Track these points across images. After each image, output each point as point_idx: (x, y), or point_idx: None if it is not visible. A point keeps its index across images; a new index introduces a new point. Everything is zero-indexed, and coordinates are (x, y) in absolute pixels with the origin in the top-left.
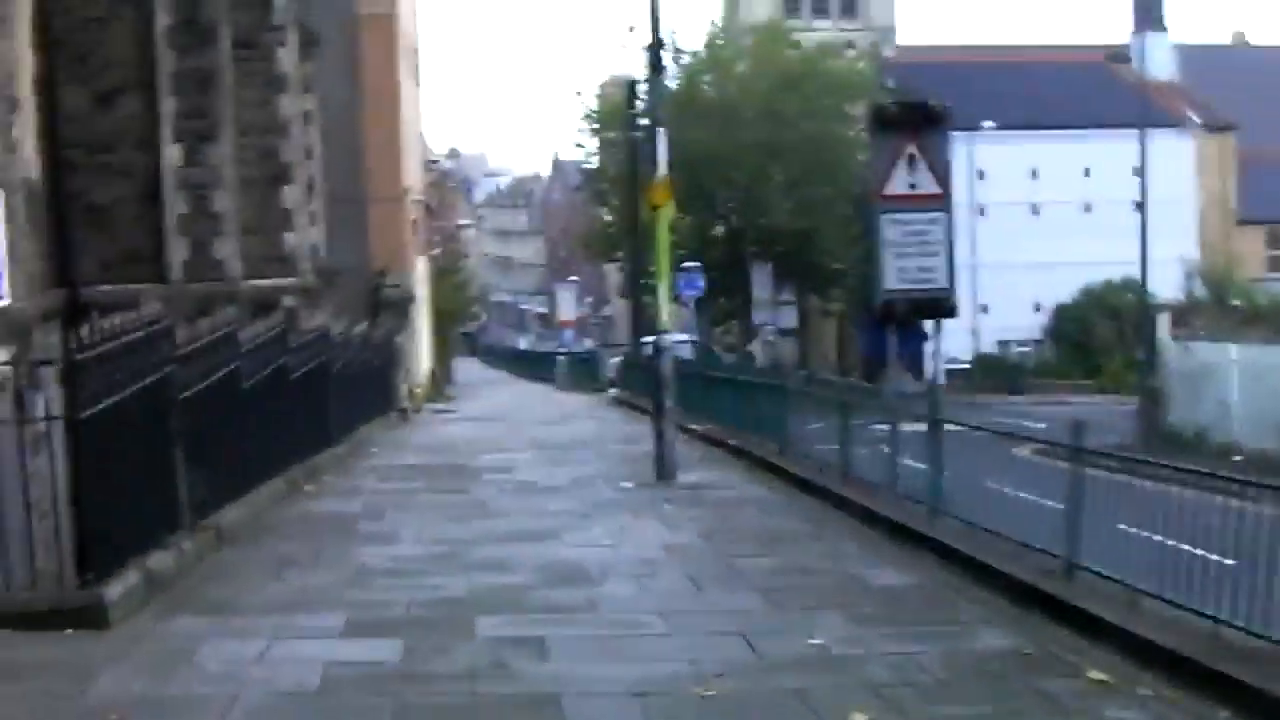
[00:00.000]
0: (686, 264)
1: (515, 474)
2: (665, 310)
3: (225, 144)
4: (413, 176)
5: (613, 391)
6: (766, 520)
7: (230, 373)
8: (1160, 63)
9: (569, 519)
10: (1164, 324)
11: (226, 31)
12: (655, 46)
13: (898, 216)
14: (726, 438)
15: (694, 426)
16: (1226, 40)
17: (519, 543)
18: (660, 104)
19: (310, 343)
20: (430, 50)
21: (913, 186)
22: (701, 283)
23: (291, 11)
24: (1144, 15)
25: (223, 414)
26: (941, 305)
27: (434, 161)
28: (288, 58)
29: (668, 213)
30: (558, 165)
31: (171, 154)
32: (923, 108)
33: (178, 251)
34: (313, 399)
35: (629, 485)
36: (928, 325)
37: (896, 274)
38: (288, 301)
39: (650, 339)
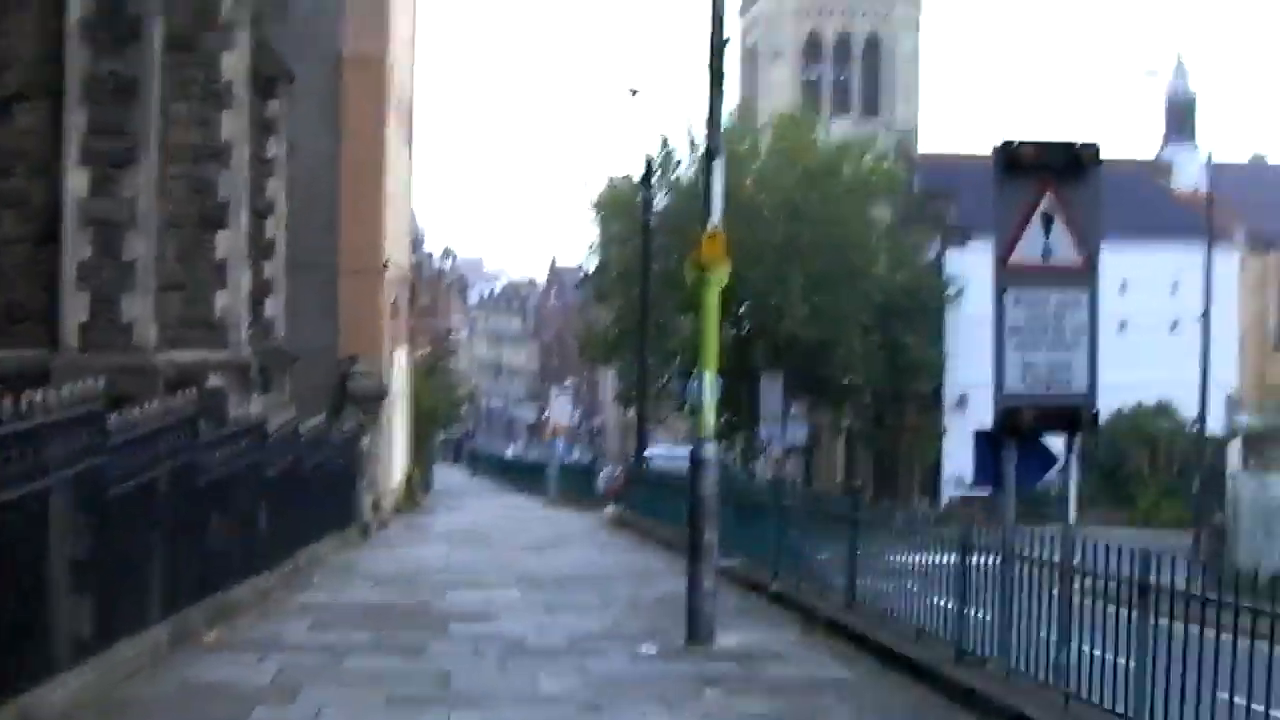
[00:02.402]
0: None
1: (495, 624)
2: (710, 410)
3: (146, 171)
4: (397, 252)
5: (610, 510)
6: None
7: (86, 473)
8: (1192, 177)
9: (569, 712)
10: (1234, 452)
11: (158, 29)
12: (717, 49)
13: (1026, 294)
14: (764, 580)
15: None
16: (1244, 159)
17: None
18: (719, 129)
19: (235, 437)
20: (427, 149)
21: (1047, 254)
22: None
23: (246, 8)
24: (1175, 128)
25: (57, 534)
26: (1080, 417)
27: (421, 241)
28: (234, 66)
29: (721, 276)
30: (554, 271)
31: (76, 181)
32: (1067, 148)
33: (75, 310)
34: (232, 511)
35: (651, 651)
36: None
37: (1022, 372)
38: (214, 381)
39: (656, 451)
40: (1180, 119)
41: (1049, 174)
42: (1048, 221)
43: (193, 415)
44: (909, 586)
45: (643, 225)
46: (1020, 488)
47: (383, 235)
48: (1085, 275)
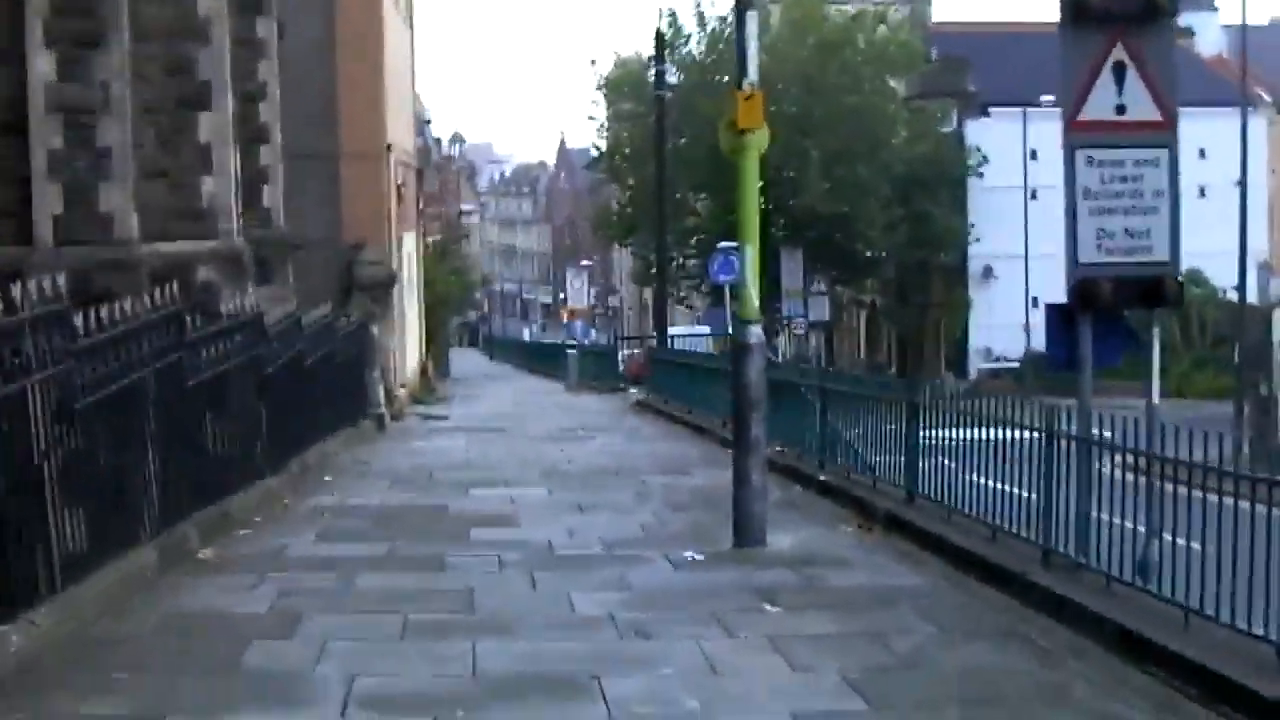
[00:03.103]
0: (722, 244)
1: (521, 529)
2: (753, 290)
3: (117, 51)
4: (400, 135)
5: (634, 392)
6: (949, 647)
7: (50, 380)
8: (1211, 42)
9: (611, 638)
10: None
11: None
12: None
13: (1098, 154)
14: (809, 469)
15: None
16: (1263, 22)
17: (526, 702)
18: None
19: (228, 332)
20: (431, 33)
21: (1121, 110)
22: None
23: None
24: None
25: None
26: (1164, 288)
27: (427, 122)
28: None
29: (760, 140)
30: (563, 152)
31: (41, 66)
32: None
33: (48, 203)
34: (229, 413)
35: (697, 556)
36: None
37: (1096, 239)
38: (204, 274)
39: (676, 331)
40: None
41: (1120, 23)
42: (1119, 75)
43: (177, 310)
44: (977, 478)
45: (656, 99)
46: (1098, 365)
47: (384, 118)
48: (1164, 132)
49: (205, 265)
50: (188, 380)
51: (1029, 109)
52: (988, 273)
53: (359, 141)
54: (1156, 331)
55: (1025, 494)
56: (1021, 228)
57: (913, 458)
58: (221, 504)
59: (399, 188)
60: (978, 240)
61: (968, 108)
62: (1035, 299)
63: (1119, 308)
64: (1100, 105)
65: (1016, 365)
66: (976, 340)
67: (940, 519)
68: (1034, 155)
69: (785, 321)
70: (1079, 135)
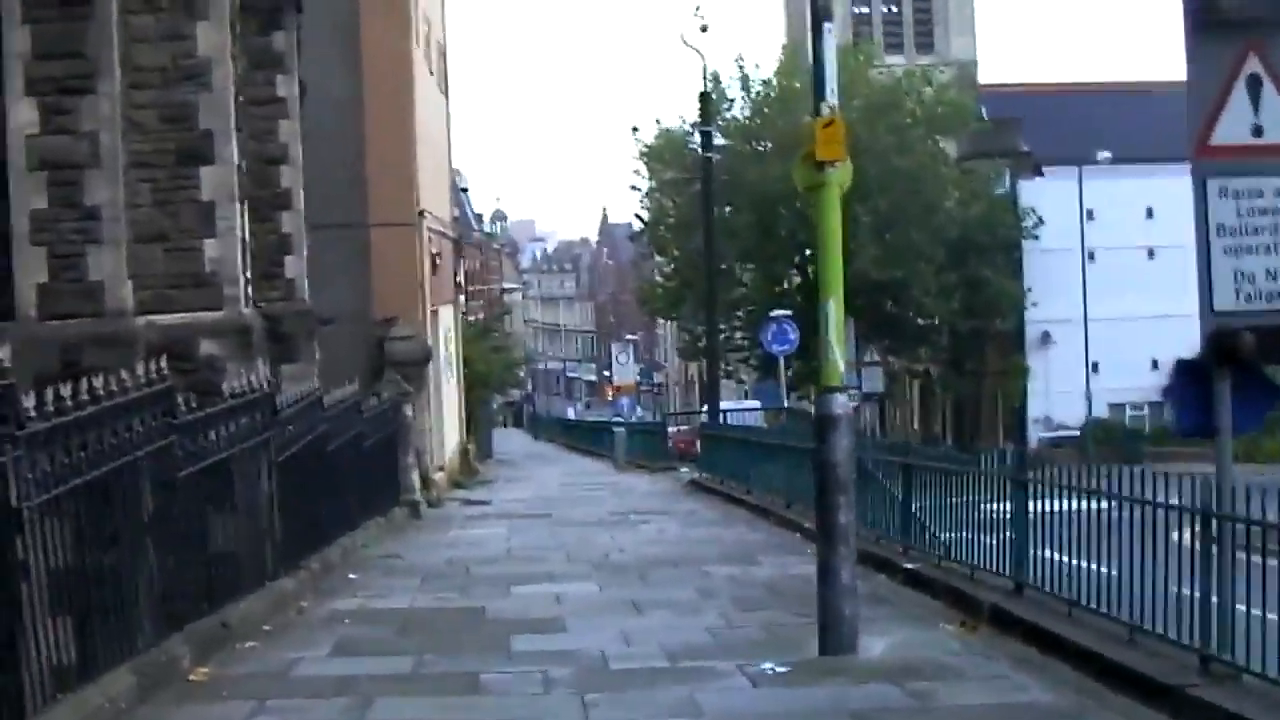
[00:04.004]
0: (776, 312)
1: (569, 636)
2: (839, 351)
3: (107, 98)
4: (435, 203)
5: (685, 471)
6: None
7: None
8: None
9: None
10: None
11: None
12: None
13: (1233, 183)
14: (891, 555)
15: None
16: None
17: None
18: None
19: (232, 413)
20: (471, 112)
21: (1258, 132)
22: (795, 336)
23: None
24: None
25: None
26: None
27: (464, 190)
28: None
29: (843, 175)
30: (606, 227)
31: (22, 116)
32: None
33: (31, 270)
34: (234, 505)
35: (779, 669)
36: None
37: (1234, 283)
38: (207, 348)
39: (726, 406)
40: None
41: (1254, 30)
42: (1255, 91)
43: (166, 388)
44: (1100, 567)
45: (703, 161)
46: (1238, 430)
47: (416, 183)
48: None
49: (209, 339)
50: (179, 469)
51: (1084, 167)
52: (1045, 339)
53: (390, 209)
54: None
55: (1173, 587)
56: (1080, 291)
57: (1021, 542)
58: (221, 612)
59: (434, 258)
60: (1034, 305)
61: (1021, 168)
62: (1095, 364)
63: (1262, 363)
64: (1234, 127)
65: (1077, 433)
66: (1034, 408)
67: (1058, 614)
68: (1090, 215)
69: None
70: (1210, 162)
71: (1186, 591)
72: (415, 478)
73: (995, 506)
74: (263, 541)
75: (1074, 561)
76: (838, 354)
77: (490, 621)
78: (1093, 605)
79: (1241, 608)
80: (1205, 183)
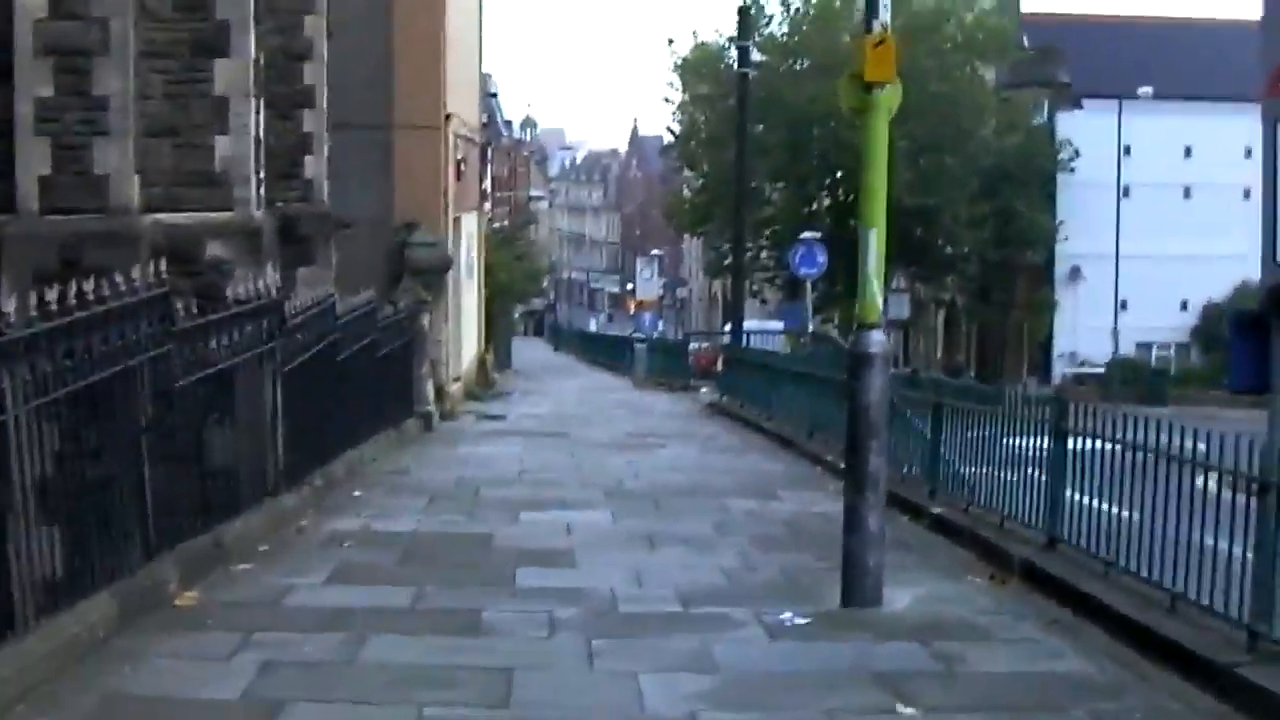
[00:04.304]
0: (806, 234)
1: (578, 571)
2: (878, 286)
3: None
4: (462, 106)
5: (705, 391)
6: None
7: None
8: None
9: None
10: None
11: None
12: None
13: None
14: (918, 498)
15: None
16: None
17: None
18: None
19: (235, 320)
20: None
21: None
22: (823, 259)
23: None
24: None
25: None
26: None
27: (493, 95)
28: None
29: (891, 98)
30: (636, 139)
31: None
32: None
33: (34, 162)
34: (235, 417)
35: (799, 620)
36: None
37: None
38: (214, 250)
39: (749, 326)
40: None
41: None
42: None
43: (163, 293)
44: (1144, 521)
45: (739, 77)
46: None
47: (444, 85)
48: None
49: (215, 240)
50: (176, 379)
51: (1124, 101)
52: (1075, 274)
53: (415, 111)
54: None
55: (1224, 548)
56: (1113, 227)
57: (1056, 493)
58: (217, 530)
59: (459, 164)
60: (1066, 239)
61: (1060, 99)
62: (1125, 302)
63: None
64: None
65: (1102, 371)
66: (1061, 344)
67: (1094, 574)
68: (1128, 151)
69: None
70: None
71: (1233, 552)
72: (429, 389)
73: (1027, 443)
74: (264, 455)
75: (1113, 510)
76: (876, 289)
77: (497, 551)
78: (1132, 568)
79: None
80: (1277, 123)
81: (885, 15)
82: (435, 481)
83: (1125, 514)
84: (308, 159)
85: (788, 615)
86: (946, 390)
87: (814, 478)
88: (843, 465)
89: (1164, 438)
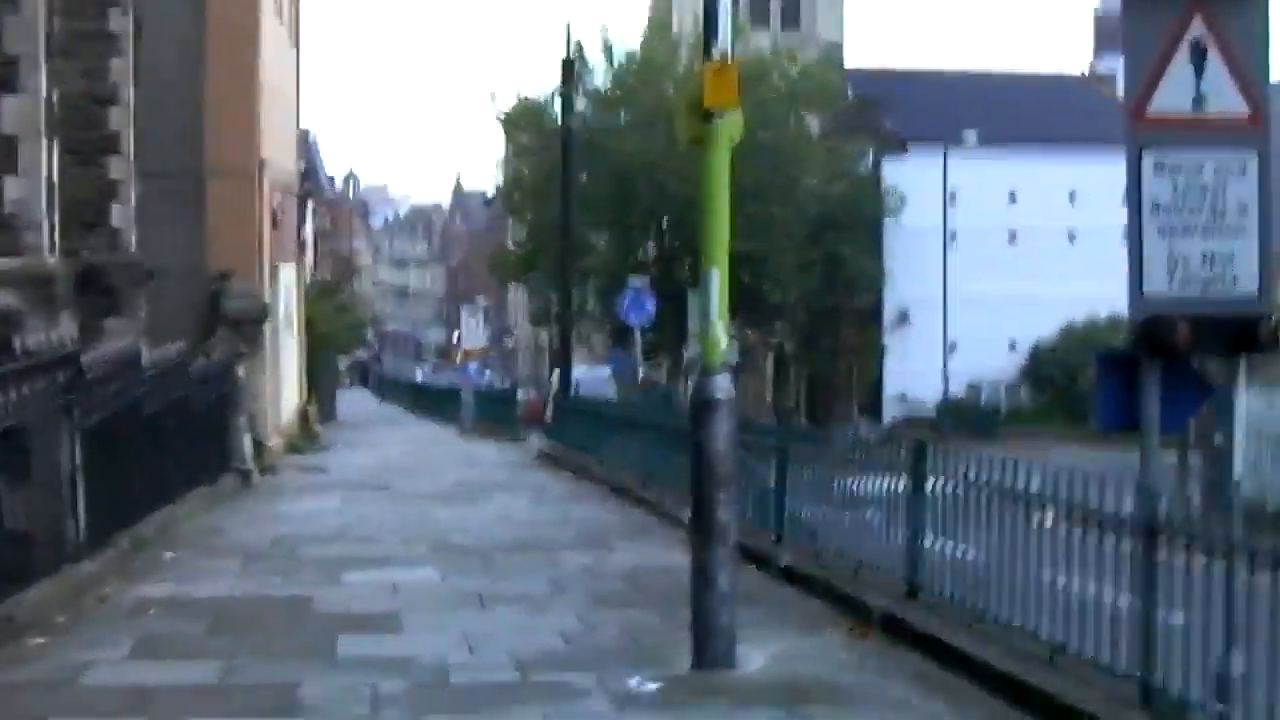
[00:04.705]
0: (634, 280)
1: (404, 637)
2: (721, 327)
3: None
4: (278, 154)
5: (535, 441)
6: None
7: None
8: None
9: None
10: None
11: None
12: None
13: (1171, 157)
14: (764, 547)
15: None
16: None
17: None
18: None
19: (20, 375)
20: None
21: (1199, 102)
22: (651, 306)
23: None
24: (1106, 41)
25: None
26: (1254, 330)
27: (311, 144)
28: None
29: (733, 126)
30: (459, 193)
31: None
32: None
33: None
34: (26, 478)
35: (648, 687)
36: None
37: (1168, 267)
38: (4, 299)
39: (578, 374)
40: (1111, 33)
41: None
42: (1199, 58)
43: None
44: (1024, 571)
45: (563, 128)
46: (1165, 429)
47: (258, 131)
48: (1253, 132)
49: (4, 289)
50: None
51: (949, 147)
52: (903, 318)
53: (228, 158)
54: (1243, 384)
55: (1107, 599)
56: (940, 272)
57: (916, 537)
58: (6, 603)
59: (275, 212)
60: (893, 284)
61: (886, 147)
62: (954, 344)
63: (1197, 354)
64: (1174, 95)
65: (933, 413)
66: (891, 386)
67: (959, 625)
68: (953, 198)
69: (692, 364)
70: (1147, 132)
71: (1115, 600)
72: (247, 443)
73: (880, 487)
74: (63, 519)
75: (979, 557)
76: (720, 331)
77: (315, 617)
78: (1004, 618)
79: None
80: (1140, 155)
81: (726, 43)
82: (251, 540)
83: (993, 561)
84: (114, 206)
85: (635, 681)
86: (792, 435)
87: (651, 527)
88: (682, 515)
89: (1028, 480)
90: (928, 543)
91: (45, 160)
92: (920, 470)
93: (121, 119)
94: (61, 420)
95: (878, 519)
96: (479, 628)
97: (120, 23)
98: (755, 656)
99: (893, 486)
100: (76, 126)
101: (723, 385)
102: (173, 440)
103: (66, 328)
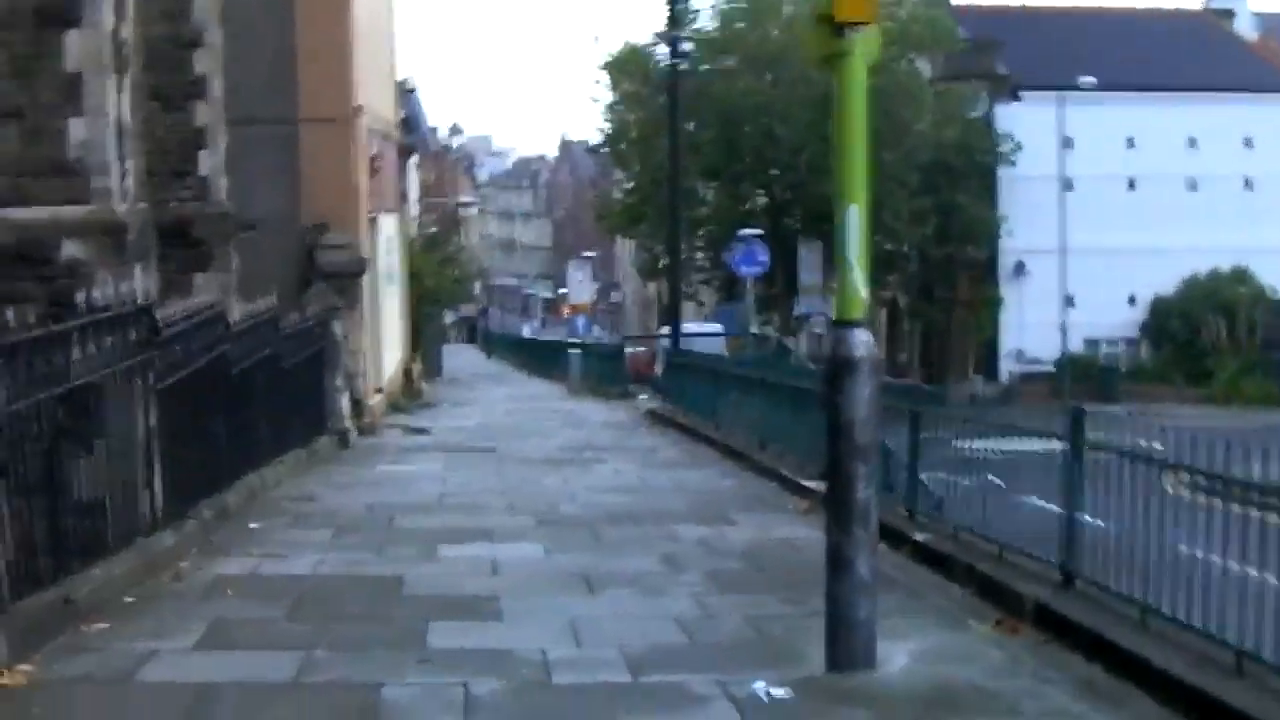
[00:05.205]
0: (745, 231)
1: (502, 625)
2: (861, 273)
3: None
4: (375, 99)
5: (644, 399)
6: None
7: None
8: (1244, 30)
9: None
10: None
11: None
12: None
13: None
14: (894, 519)
15: (810, 485)
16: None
17: None
18: None
19: (86, 331)
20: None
21: None
22: (765, 258)
23: None
24: None
25: None
26: None
27: (411, 91)
28: None
29: (869, 43)
30: (565, 144)
31: None
32: None
33: None
34: (99, 443)
35: (777, 693)
36: None
37: None
38: (71, 250)
39: (691, 330)
40: None
41: None
42: None
43: None
44: (1204, 562)
45: (671, 68)
46: None
47: (352, 75)
48: None
49: (72, 239)
50: (9, 402)
51: (1064, 93)
52: (1019, 269)
53: (322, 104)
54: None
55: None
56: (1056, 221)
57: (1073, 516)
58: (68, 582)
59: (373, 160)
60: (1009, 234)
61: (999, 91)
62: (1071, 297)
63: None
64: None
65: (1051, 369)
66: (1007, 341)
67: (1128, 621)
68: (1069, 143)
69: (803, 319)
70: None
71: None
72: (345, 402)
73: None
74: (138, 486)
75: (1143, 541)
76: (860, 277)
77: (407, 599)
78: (1179, 616)
79: None
80: None
81: None
82: (344, 509)
83: (1167, 548)
84: (202, 154)
85: (761, 686)
86: (926, 398)
87: (770, 495)
88: (801, 480)
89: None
90: (1087, 523)
91: (114, 100)
92: (1079, 441)
93: (207, 62)
94: (134, 380)
95: (1024, 499)
96: (586, 614)
97: None
98: (896, 655)
99: (1045, 457)
100: (160, 70)
101: (862, 341)
102: (263, 400)
103: (140, 280)
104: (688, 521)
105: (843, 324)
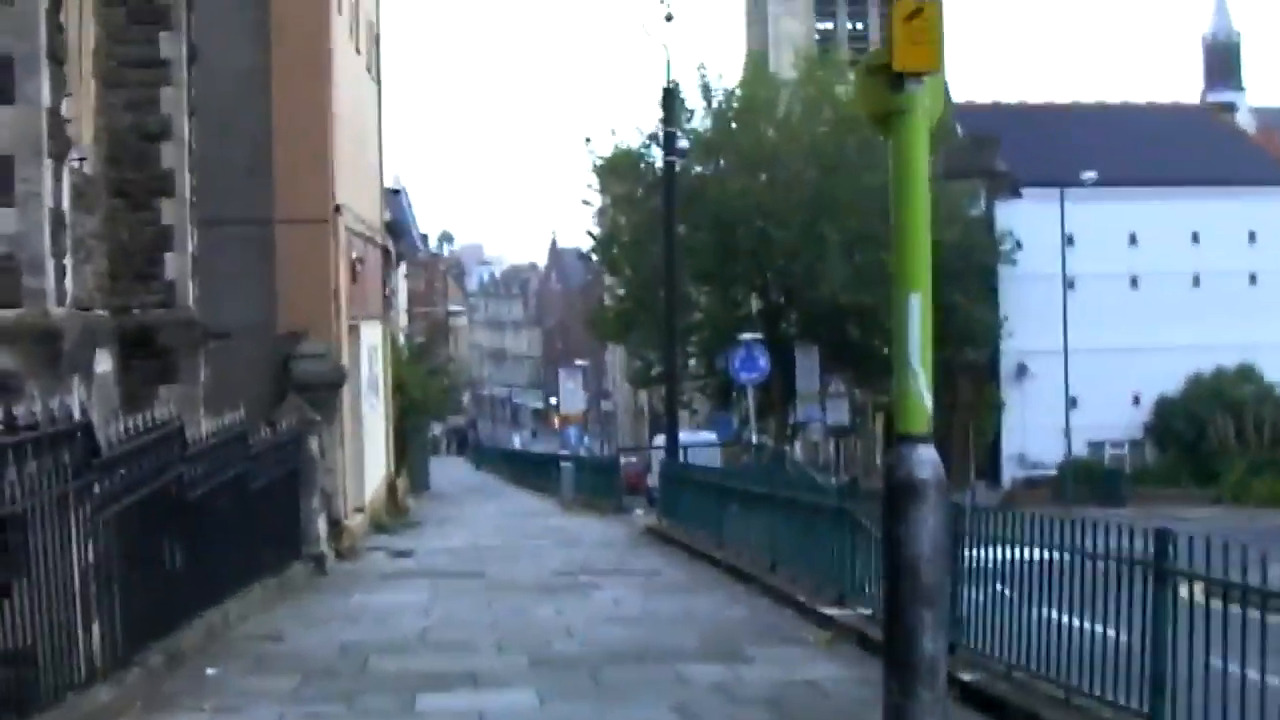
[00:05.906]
0: (745, 336)
1: None
2: (925, 376)
3: None
4: (357, 199)
5: (639, 514)
6: None
7: None
8: (1243, 123)
9: None
10: None
11: None
12: None
13: None
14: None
15: (830, 612)
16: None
17: None
18: None
19: (8, 451)
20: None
21: None
22: (765, 363)
23: None
24: (1217, 74)
25: None
26: None
27: (396, 192)
28: None
29: (932, 99)
30: (555, 252)
31: None
32: None
33: None
34: (28, 582)
35: None
36: None
37: None
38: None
39: (685, 439)
40: (1223, 62)
41: None
42: None
43: None
44: None
45: (666, 165)
46: None
47: (332, 172)
48: None
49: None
50: None
51: (1066, 190)
52: (1022, 371)
53: (300, 202)
54: None
55: None
56: (1058, 320)
57: (1159, 657)
58: None
59: (354, 263)
60: (1010, 334)
61: (998, 189)
62: (1074, 399)
63: None
64: None
65: (1054, 473)
66: (1010, 445)
67: None
68: (1071, 240)
69: (800, 426)
70: None
71: None
72: (321, 524)
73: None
74: (74, 631)
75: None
76: (924, 383)
77: None
78: None
79: None
80: None
81: None
82: (314, 649)
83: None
84: (168, 256)
85: None
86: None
87: (786, 625)
88: (819, 607)
89: None
90: (1171, 664)
91: (51, 188)
92: (1163, 567)
93: (175, 156)
94: (69, 508)
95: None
96: None
97: (172, 47)
98: None
99: (1121, 587)
100: (124, 165)
101: (928, 460)
102: (227, 526)
103: (76, 394)
104: (698, 660)
105: (905, 439)
